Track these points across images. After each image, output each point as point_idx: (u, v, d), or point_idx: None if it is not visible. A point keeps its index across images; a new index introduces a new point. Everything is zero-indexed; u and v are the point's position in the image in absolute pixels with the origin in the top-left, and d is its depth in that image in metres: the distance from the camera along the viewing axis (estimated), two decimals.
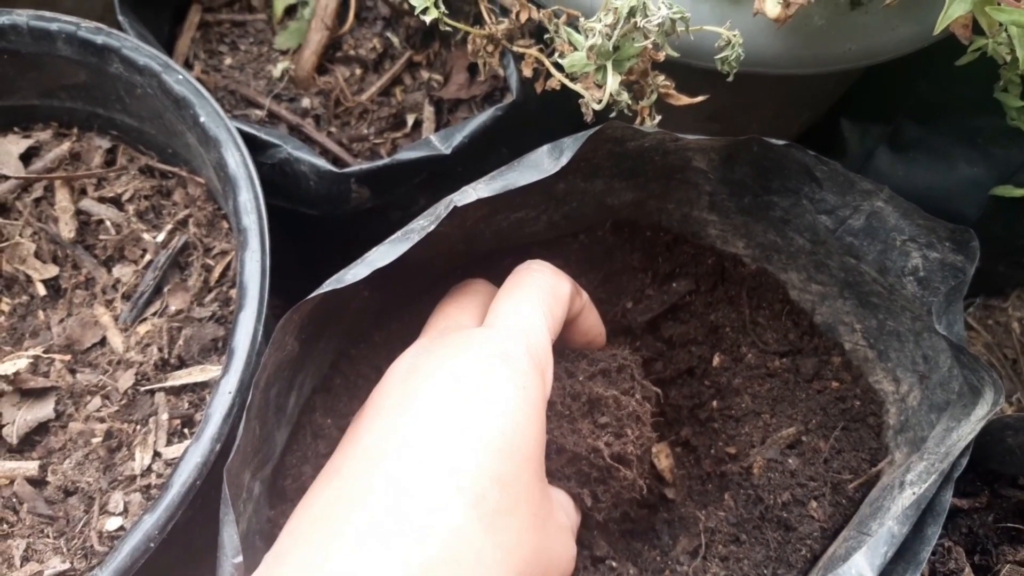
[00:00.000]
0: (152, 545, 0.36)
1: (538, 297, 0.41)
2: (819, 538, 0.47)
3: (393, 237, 0.41)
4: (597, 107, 0.45)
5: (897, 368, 0.51)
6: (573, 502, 0.43)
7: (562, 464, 0.45)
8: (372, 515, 0.30)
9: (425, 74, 0.63)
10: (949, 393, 0.47)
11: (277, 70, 0.62)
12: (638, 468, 0.46)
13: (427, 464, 0.31)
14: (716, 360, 0.54)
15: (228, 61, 0.63)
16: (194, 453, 0.38)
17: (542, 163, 0.43)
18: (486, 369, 0.35)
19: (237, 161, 0.45)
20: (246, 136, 0.49)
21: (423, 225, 0.41)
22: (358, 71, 0.62)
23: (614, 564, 0.46)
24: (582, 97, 0.46)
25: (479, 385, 0.34)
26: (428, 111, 0.61)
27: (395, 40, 0.63)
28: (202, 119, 0.46)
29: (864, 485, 0.49)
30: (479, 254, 0.52)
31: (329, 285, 0.39)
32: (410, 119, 0.61)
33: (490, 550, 0.31)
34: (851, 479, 0.49)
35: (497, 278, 0.53)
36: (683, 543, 0.49)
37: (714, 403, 0.54)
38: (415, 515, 0.30)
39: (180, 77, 0.48)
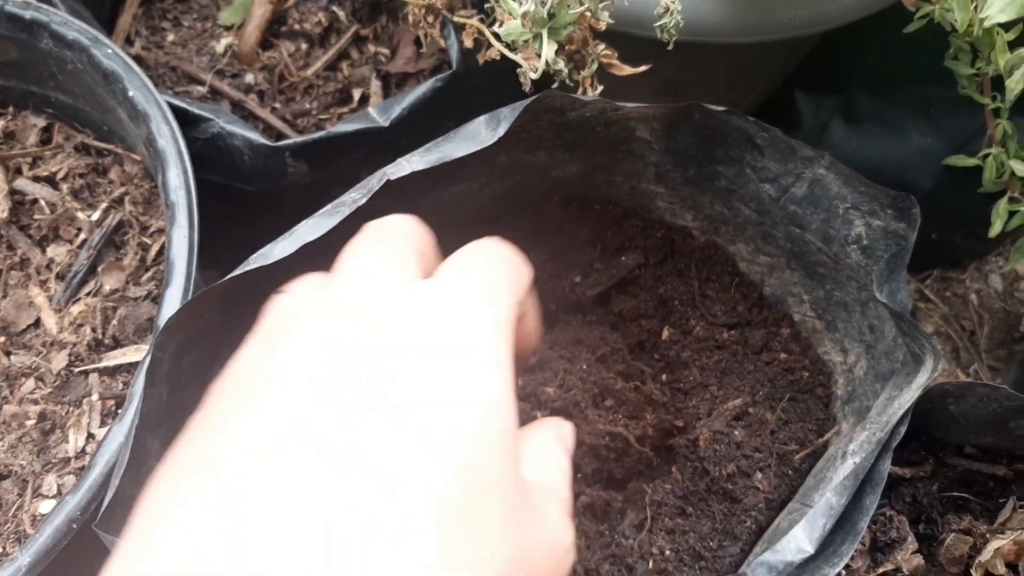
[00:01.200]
0: (75, 526, 0.36)
1: (505, 270, 0.31)
2: (764, 509, 0.47)
3: (323, 210, 0.40)
4: (534, 76, 0.44)
5: (845, 339, 0.51)
6: (566, 472, 0.34)
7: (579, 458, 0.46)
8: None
9: (372, 48, 0.61)
10: (894, 363, 0.47)
11: (220, 46, 0.61)
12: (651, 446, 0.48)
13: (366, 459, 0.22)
14: (665, 333, 0.54)
15: (171, 37, 0.61)
16: (117, 433, 0.37)
17: (479, 134, 0.42)
18: (454, 339, 0.25)
19: (166, 136, 0.44)
20: (178, 111, 0.48)
21: (354, 198, 0.40)
22: (303, 46, 0.61)
23: None
24: (521, 67, 0.46)
25: (446, 359, 0.25)
26: (375, 85, 0.60)
27: (341, 14, 0.62)
28: (131, 93, 0.45)
29: (811, 456, 0.49)
30: None
31: (256, 261, 0.38)
32: (356, 94, 0.60)
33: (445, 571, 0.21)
34: (797, 450, 0.49)
35: (440, 254, 0.53)
36: (630, 517, 0.49)
37: (663, 376, 0.53)
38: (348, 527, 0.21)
39: (109, 51, 0.46)
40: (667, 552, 0.46)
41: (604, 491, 0.49)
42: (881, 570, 0.42)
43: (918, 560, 0.43)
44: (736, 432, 0.49)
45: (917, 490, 0.46)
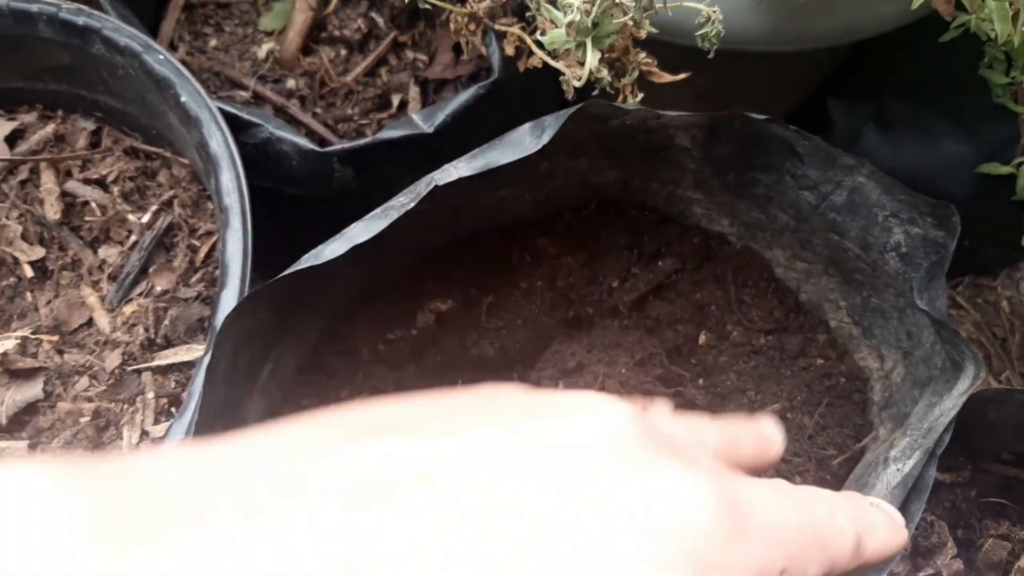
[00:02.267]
0: None
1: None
2: None
3: (373, 214, 0.41)
4: (577, 84, 0.45)
5: (881, 345, 0.51)
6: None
7: None
8: None
9: (410, 54, 0.62)
10: (932, 369, 0.48)
11: (262, 51, 0.62)
12: None
13: None
14: (702, 338, 0.54)
15: (213, 43, 0.62)
16: (177, 430, 0.38)
17: (524, 141, 0.43)
18: None
19: (219, 141, 0.45)
20: (228, 116, 0.49)
21: (403, 202, 0.41)
22: (343, 52, 0.62)
23: None
24: (563, 75, 0.46)
25: None
26: (414, 91, 0.61)
27: (380, 20, 0.63)
28: (183, 99, 0.46)
29: (848, 461, 0.49)
30: (463, 233, 0.52)
31: (307, 261, 0.39)
32: (395, 99, 0.61)
33: None
34: (835, 455, 0.49)
35: (482, 259, 0.54)
36: None
37: (700, 380, 0.54)
38: None
39: (161, 57, 0.48)
40: None
41: None
42: (921, 574, 0.42)
43: (958, 565, 0.43)
44: None
45: (956, 496, 0.47)
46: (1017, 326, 0.73)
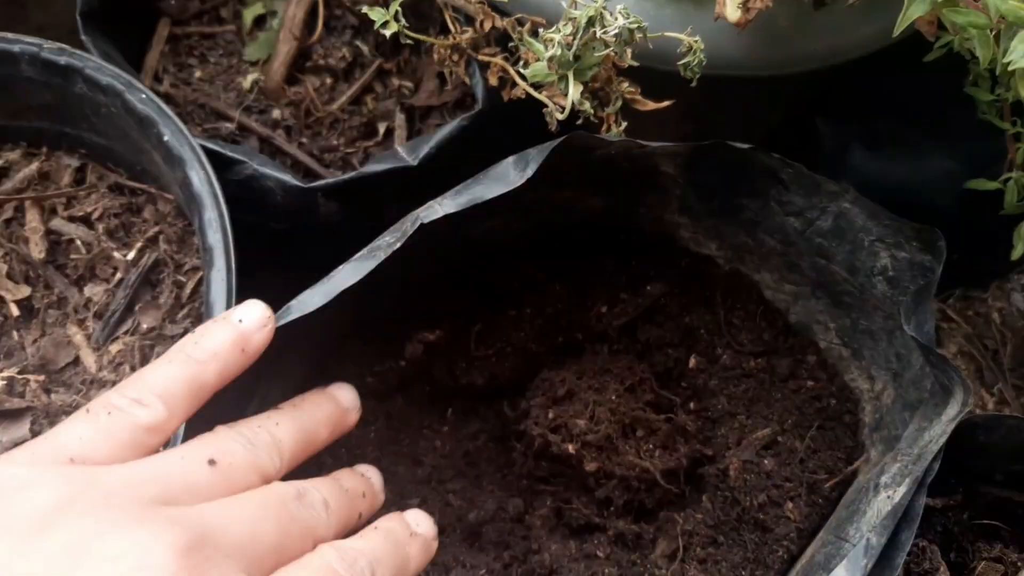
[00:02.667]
0: None
1: None
2: (796, 539, 0.48)
3: (359, 255, 0.41)
4: (561, 116, 0.45)
5: (871, 366, 0.51)
6: None
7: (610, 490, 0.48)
8: None
9: (396, 82, 0.62)
10: (921, 391, 0.47)
11: (247, 82, 0.62)
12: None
13: None
14: (692, 362, 0.54)
15: (198, 74, 0.62)
16: None
17: (508, 175, 0.43)
18: None
19: (201, 179, 0.45)
20: (211, 153, 0.49)
21: (389, 242, 0.41)
22: (328, 80, 0.62)
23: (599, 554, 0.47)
24: (547, 107, 0.46)
25: None
26: (400, 119, 0.61)
27: (364, 48, 0.63)
28: (166, 138, 0.46)
29: (840, 484, 0.49)
30: (450, 263, 0.52)
31: (296, 310, 0.39)
32: (381, 127, 0.60)
33: None
34: (827, 478, 0.49)
35: (470, 287, 0.53)
36: (661, 546, 0.49)
37: (691, 404, 0.54)
38: None
39: (143, 96, 0.47)
40: None
41: (635, 521, 0.50)
42: None
43: None
44: (766, 461, 0.49)
45: (948, 519, 0.46)
46: (1008, 338, 0.73)
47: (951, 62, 0.52)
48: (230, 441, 0.34)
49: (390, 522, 0.38)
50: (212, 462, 0.32)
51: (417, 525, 0.39)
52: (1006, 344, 0.73)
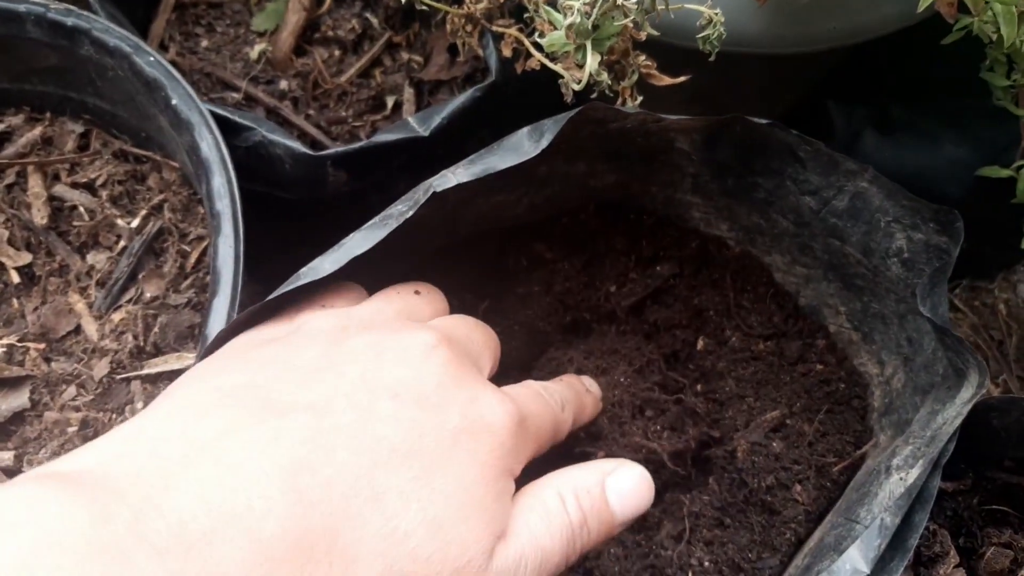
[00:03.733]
0: None
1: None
2: (803, 522, 0.47)
3: (371, 223, 0.40)
4: (577, 87, 0.44)
5: (882, 350, 0.51)
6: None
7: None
8: None
9: (405, 55, 0.62)
10: (933, 375, 0.47)
11: (254, 52, 0.61)
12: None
13: None
14: (700, 344, 0.54)
15: (204, 43, 0.61)
16: None
17: (522, 146, 0.42)
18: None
19: (210, 144, 0.44)
20: (219, 119, 0.48)
21: (401, 210, 0.40)
22: (337, 52, 0.61)
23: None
24: (562, 78, 0.46)
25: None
26: (408, 93, 0.60)
27: (374, 21, 0.62)
28: (174, 101, 0.45)
29: (849, 468, 0.49)
30: (460, 236, 0.51)
31: (307, 276, 0.38)
32: (390, 101, 0.60)
33: None
34: (835, 462, 0.49)
35: (478, 263, 0.53)
36: (667, 527, 0.49)
37: (698, 386, 0.53)
38: None
39: (151, 59, 0.47)
40: (706, 563, 0.46)
41: None
42: None
43: (960, 574, 0.43)
44: (774, 444, 0.49)
45: (958, 504, 0.46)
46: (1014, 329, 0.73)
47: (967, 46, 0.51)
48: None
49: (571, 378, 0.47)
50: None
51: (591, 385, 0.48)
52: (1011, 335, 0.73)
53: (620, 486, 0.37)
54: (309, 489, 0.26)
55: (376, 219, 0.40)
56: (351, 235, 0.39)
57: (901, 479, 0.41)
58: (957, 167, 0.64)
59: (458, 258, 0.52)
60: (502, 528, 0.31)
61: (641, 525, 0.49)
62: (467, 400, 0.33)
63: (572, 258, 0.54)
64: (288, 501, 0.25)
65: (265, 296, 0.37)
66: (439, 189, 0.40)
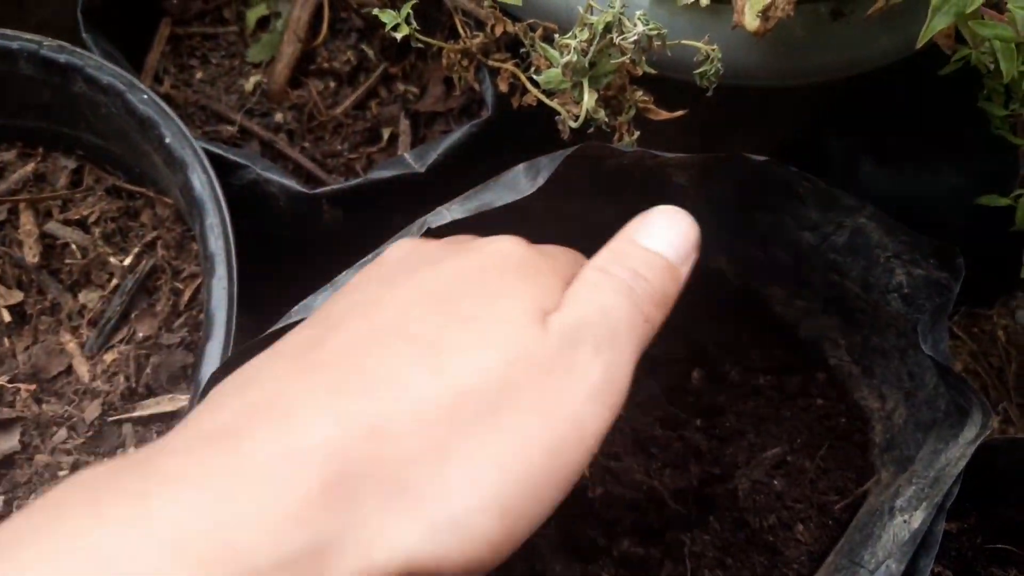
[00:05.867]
0: None
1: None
2: (806, 562, 0.46)
3: (364, 260, 0.40)
4: (574, 124, 0.44)
5: (882, 385, 0.50)
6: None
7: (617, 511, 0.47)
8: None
9: (401, 87, 0.61)
10: (935, 411, 0.47)
11: (249, 84, 0.61)
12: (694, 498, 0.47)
13: None
14: (700, 378, 0.53)
15: (199, 75, 0.61)
16: None
17: (518, 183, 0.42)
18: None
19: (203, 183, 0.43)
20: (213, 157, 0.47)
21: None
22: (332, 84, 0.61)
23: None
24: (559, 114, 0.45)
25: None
26: (404, 124, 0.60)
27: (370, 52, 0.62)
28: (167, 140, 0.45)
29: (851, 506, 0.48)
30: None
31: (298, 314, 0.37)
32: (385, 133, 0.59)
33: None
34: (837, 500, 0.48)
35: None
36: (668, 567, 0.48)
37: (698, 421, 0.53)
38: None
39: (145, 97, 0.46)
40: None
41: (642, 543, 0.48)
42: None
43: None
44: (776, 482, 0.48)
45: (962, 543, 0.45)
46: (1014, 356, 0.73)
47: (964, 75, 0.51)
48: None
49: None
50: None
51: None
52: (1011, 362, 0.72)
53: (652, 230, 0.35)
54: None
55: (369, 256, 0.40)
56: (344, 272, 0.39)
57: (905, 522, 0.41)
58: (955, 196, 0.63)
59: None
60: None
61: (642, 566, 0.48)
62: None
63: None
64: None
65: (257, 332, 0.37)
66: (433, 225, 0.40)
